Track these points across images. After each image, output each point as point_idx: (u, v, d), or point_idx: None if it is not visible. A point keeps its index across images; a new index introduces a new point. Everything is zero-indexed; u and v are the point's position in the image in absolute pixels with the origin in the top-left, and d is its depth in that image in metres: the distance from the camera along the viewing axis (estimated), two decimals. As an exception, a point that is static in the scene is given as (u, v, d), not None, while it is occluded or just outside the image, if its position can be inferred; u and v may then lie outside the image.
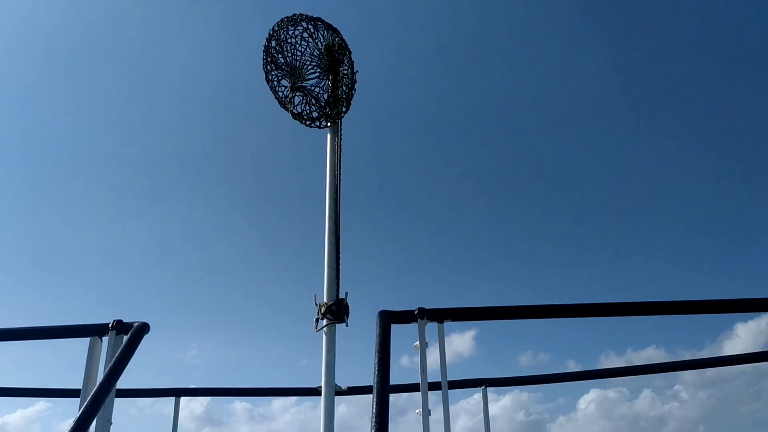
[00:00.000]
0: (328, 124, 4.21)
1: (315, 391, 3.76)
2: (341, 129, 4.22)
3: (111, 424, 3.09)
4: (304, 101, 4.22)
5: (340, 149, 4.18)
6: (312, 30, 4.32)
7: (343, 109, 4.22)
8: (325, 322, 3.72)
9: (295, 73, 4.22)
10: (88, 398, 2.71)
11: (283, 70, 4.22)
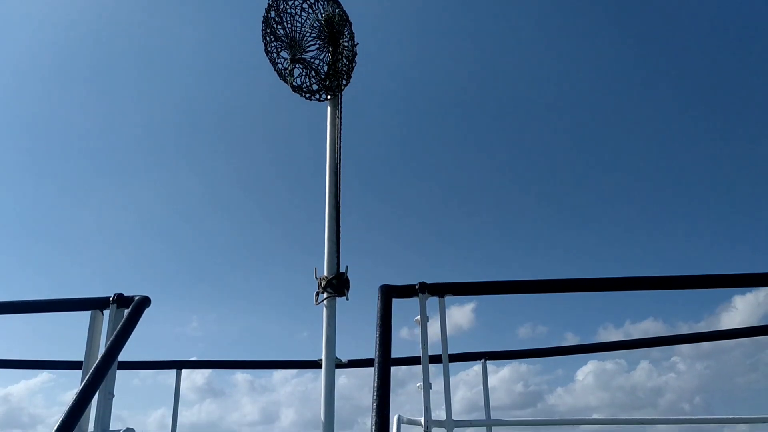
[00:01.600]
0: (328, 97, 4.18)
1: (315, 364, 3.78)
2: (341, 102, 4.19)
3: (113, 396, 3.11)
4: (304, 74, 4.18)
5: (341, 122, 4.15)
6: (312, 0, 4.26)
7: (344, 82, 4.18)
8: (325, 295, 3.74)
9: (294, 44, 4.17)
10: (90, 371, 2.72)
11: (282, 41, 4.17)
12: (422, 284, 3.21)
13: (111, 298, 3.20)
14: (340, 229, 3.96)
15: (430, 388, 3.07)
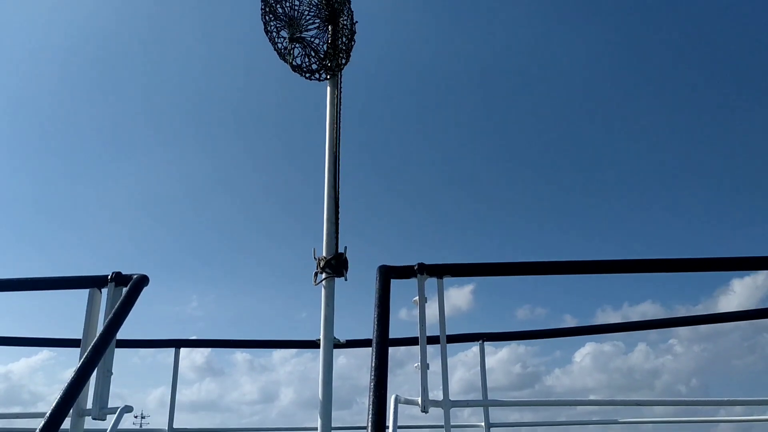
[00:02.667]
0: (328, 76, 4.15)
1: (314, 344, 3.79)
2: (341, 82, 4.16)
3: (111, 374, 3.13)
4: (303, 53, 4.15)
5: (340, 102, 4.13)
6: (311, -22, 4.22)
7: (343, 61, 4.15)
8: (324, 275, 3.74)
9: (293, 23, 4.14)
10: (88, 349, 2.73)
11: (281, 20, 4.13)
12: (421, 265, 3.21)
13: (109, 277, 3.20)
14: (339, 209, 3.95)
15: (428, 368, 3.08)
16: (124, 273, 3.23)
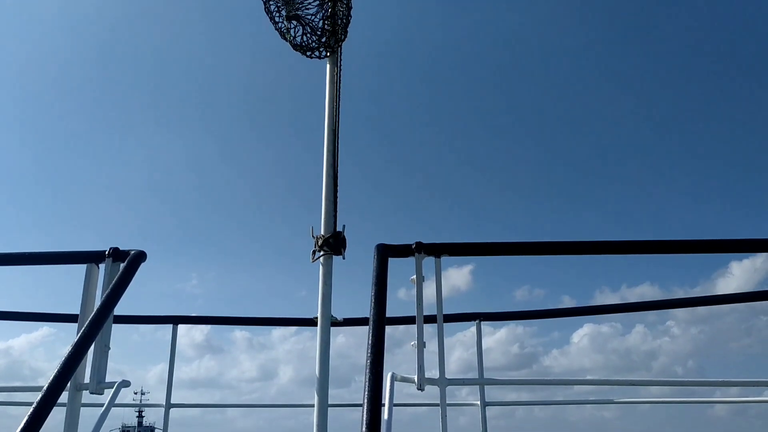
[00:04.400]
0: (327, 53, 4.12)
1: (311, 322, 3.81)
2: (340, 59, 4.13)
3: (109, 349, 3.14)
4: (302, 31, 4.12)
5: (340, 80, 4.10)
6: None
7: (341, 38, 4.11)
8: (321, 253, 3.74)
9: (290, 1, 4.10)
10: (86, 323, 2.73)
11: (281, -2, 4.10)
12: (418, 244, 3.21)
13: (107, 252, 3.21)
14: (338, 188, 3.94)
15: (424, 347, 3.10)
16: (121, 249, 3.23)
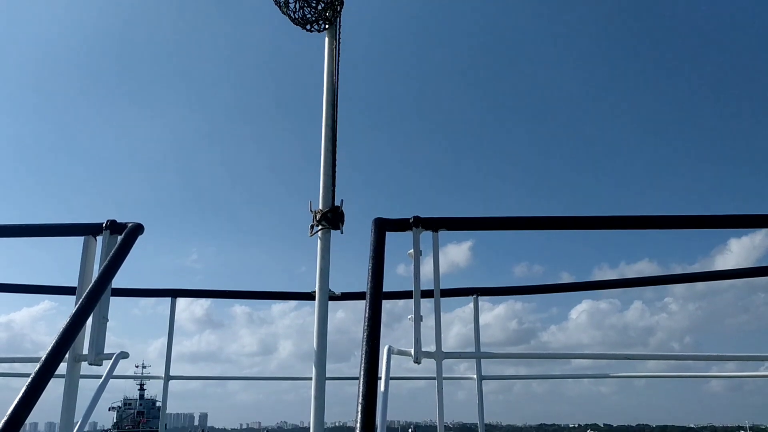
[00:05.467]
0: (326, 26, 4.08)
1: (309, 296, 3.81)
2: (339, 33, 4.09)
3: (107, 320, 3.15)
4: (298, 5, 4.07)
5: (338, 54, 4.06)
6: None
7: (338, 8, 4.06)
8: (319, 228, 3.74)
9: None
10: (84, 295, 2.74)
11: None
12: (416, 218, 3.21)
13: (104, 225, 3.21)
14: (336, 162, 3.93)
15: (421, 320, 3.11)
16: (119, 221, 3.23)
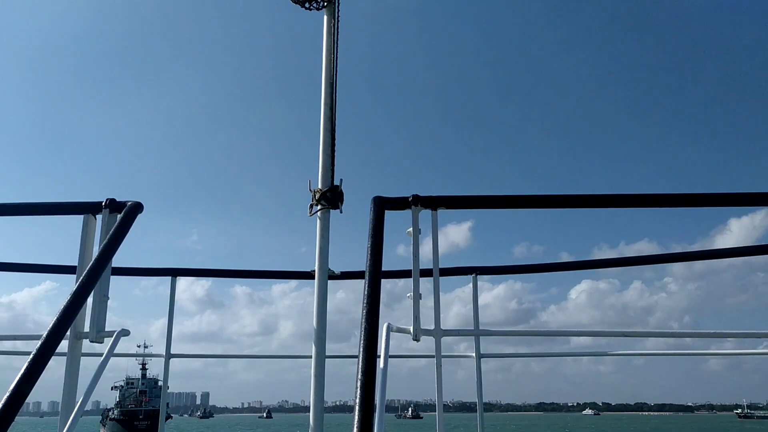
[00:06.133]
0: (325, 4, 4.05)
1: (309, 275, 3.83)
2: (338, 10, 4.06)
3: (108, 298, 3.17)
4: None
5: (337, 32, 4.04)
6: None
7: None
8: (319, 207, 3.74)
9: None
10: (84, 273, 2.75)
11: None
12: (415, 197, 3.21)
13: (103, 203, 3.22)
14: (335, 141, 3.92)
15: (420, 298, 3.12)
16: (118, 200, 3.24)
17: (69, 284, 2.82)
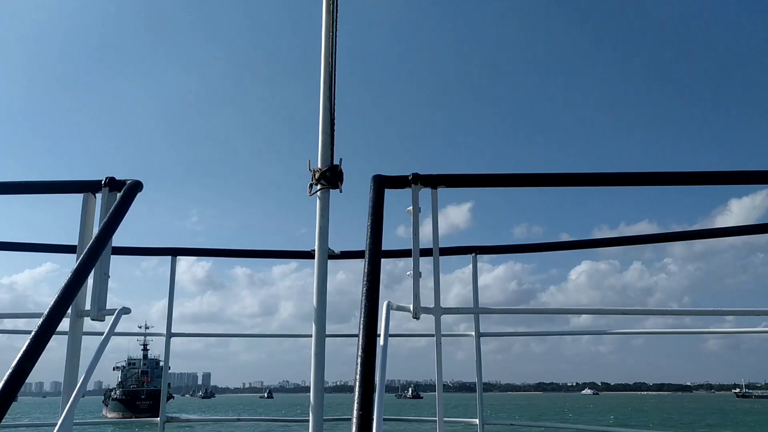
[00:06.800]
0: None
1: (309, 255, 3.83)
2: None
3: (108, 277, 3.18)
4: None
5: (336, 9, 4.00)
6: None
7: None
8: (318, 187, 3.73)
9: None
10: (85, 251, 2.75)
11: None
12: (415, 175, 3.21)
13: (103, 182, 3.21)
14: (335, 120, 3.90)
15: (420, 276, 3.13)
16: (117, 178, 3.24)
17: (69, 265, 2.82)
